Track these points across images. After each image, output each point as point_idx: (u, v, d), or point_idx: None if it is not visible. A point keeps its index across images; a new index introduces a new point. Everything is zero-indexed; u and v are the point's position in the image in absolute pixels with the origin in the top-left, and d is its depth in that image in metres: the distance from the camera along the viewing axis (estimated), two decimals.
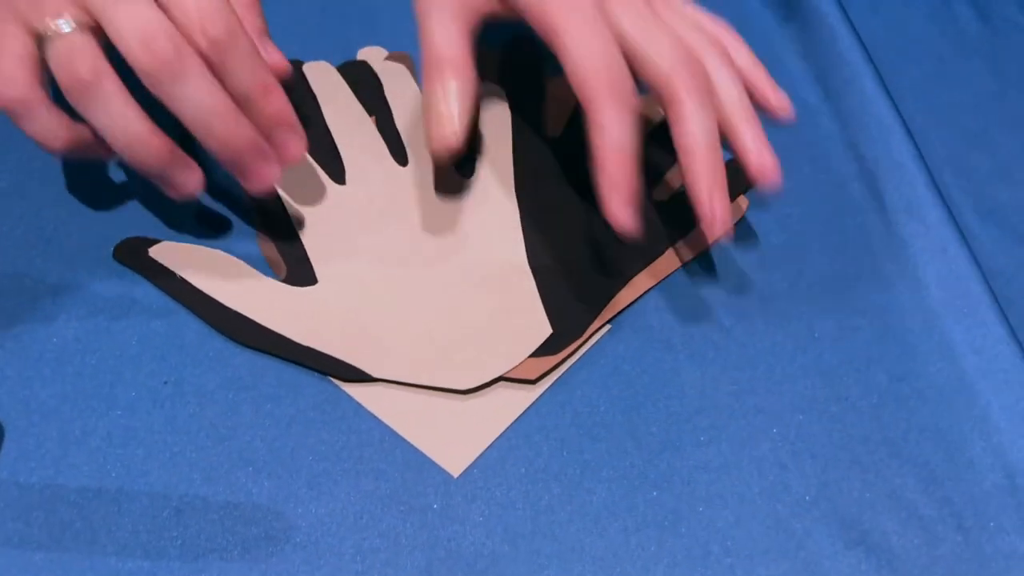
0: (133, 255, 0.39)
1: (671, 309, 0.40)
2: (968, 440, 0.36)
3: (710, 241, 0.41)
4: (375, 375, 0.36)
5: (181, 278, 0.38)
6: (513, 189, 0.42)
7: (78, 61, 0.32)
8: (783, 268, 0.42)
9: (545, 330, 0.38)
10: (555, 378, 0.37)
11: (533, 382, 0.37)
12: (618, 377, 0.37)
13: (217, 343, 0.37)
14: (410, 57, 0.48)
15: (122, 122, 0.33)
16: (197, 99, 0.33)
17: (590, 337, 0.38)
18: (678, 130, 0.36)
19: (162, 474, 0.34)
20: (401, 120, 0.44)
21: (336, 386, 0.36)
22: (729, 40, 0.40)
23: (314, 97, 0.45)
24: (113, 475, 0.33)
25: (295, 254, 0.39)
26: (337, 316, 0.37)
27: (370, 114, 0.45)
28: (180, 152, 0.35)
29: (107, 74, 0.33)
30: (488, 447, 0.35)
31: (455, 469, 0.34)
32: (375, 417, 0.35)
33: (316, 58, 0.47)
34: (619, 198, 0.35)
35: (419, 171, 0.43)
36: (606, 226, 0.35)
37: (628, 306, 0.39)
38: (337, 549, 0.32)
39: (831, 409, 0.37)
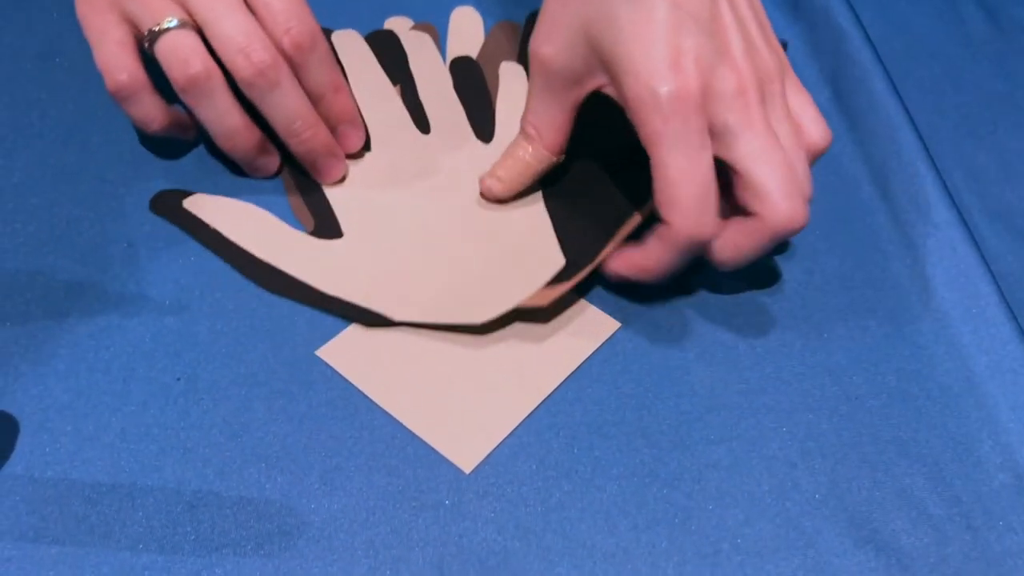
0: (168, 207, 0.41)
1: (680, 308, 0.40)
2: (977, 439, 0.37)
3: None
4: (396, 319, 0.38)
5: (214, 229, 0.40)
6: None
7: (192, 59, 0.37)
8: (793, 268, 0.42)
9: (558, 261, 0.39)
10: (565, 376, 0.37)
11: (545, 309, 0.38)
12: (628, 376, 0.38)
13: (230, 340, 0.37)
14: (435, 28, 0.50)
15: (226, 117, 0.38)
16: (286, 105, 0.38)
17: (597, 268, 0.39)
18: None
19: (175, 470, 0.34)
20: (424, 90, 0.46)
21: (349, 383, 0.36)
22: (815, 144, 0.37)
23: (341, 66, 0.46)
24: (127, 471, 0.34)
25: (322, 209, 0.41)
26: (361, 266, 0.39)
27: (394, 83, 0.47)
28: (267, 142, 0.41)
29: (216, 73, 0.37)
30: (499, 444, 0.35)
31: (467, 466, 0.34)
32: (387, 413, 0.36)
33: (345, 26, 0.49)
34: (623, 271, 0.37)
35: (440, 139, 0.45)
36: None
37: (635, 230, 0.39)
38: (349, 544, 0.32)
39: (841, 408, 0.37)
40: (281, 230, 0.41)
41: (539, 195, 0.42)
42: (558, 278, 0.38)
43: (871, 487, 0.35)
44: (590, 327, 0.39)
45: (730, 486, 0.35)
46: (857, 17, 0.52)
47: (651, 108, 0.33)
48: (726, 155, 0.34)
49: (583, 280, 0.39)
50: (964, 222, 0.43)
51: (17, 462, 0.34)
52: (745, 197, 0.35)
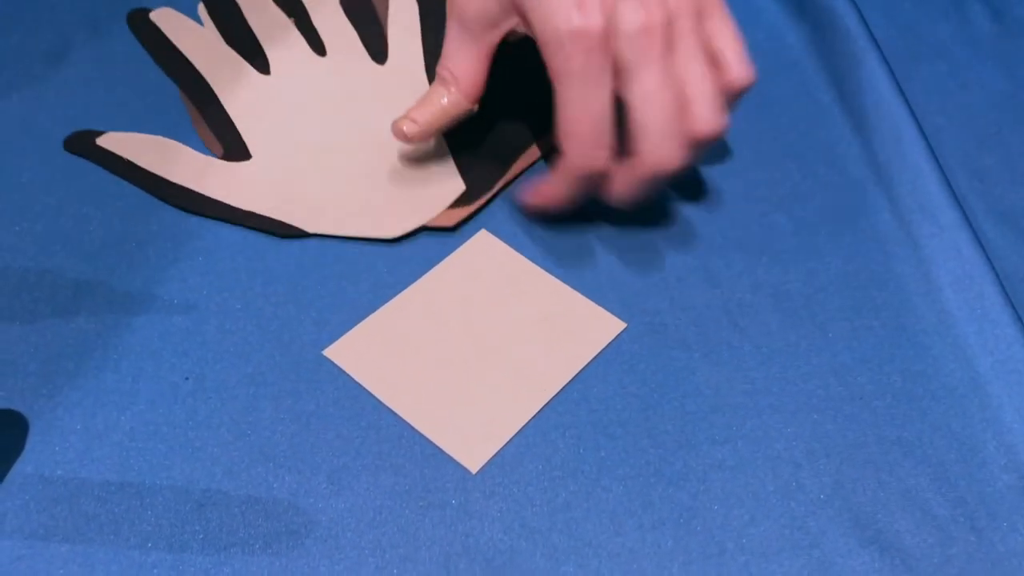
0: (83, 145, 0.43)
1: (686, 308, 0.40)
2: (981, 440, 0.37)
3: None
4: (310, 231, 0.41)
5: (128, 161, 0.42)
6: (423, 70, 0.48)
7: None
8: (797, 268, 0.42)
9: (459, 186, 0.43)
10: (571, 377, 0.37)
11: (452, 229, 0.42)
12: (634, 376, 0.38)
13: (237, 339, 0.37)
14: None
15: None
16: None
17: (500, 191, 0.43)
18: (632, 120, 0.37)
19: (184, 468, 0.34)
20: (316, 17, 0.50)
21: (356, 383, 0.36)
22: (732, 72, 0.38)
23: (236, 3, 0.50)
24: (135, 469, 0.34)
25: (229, 135, 0.44)
26: (272, 184, 0.42)
27: (288, 16, 0.50)
28: None
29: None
30: (506, 444, 0.35)
31: (473, 465, 0.35)
32: (394, 413, 0.36)
33: None
34: (530, 200, 0.40)
35: (337, 61, 0.48)
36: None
37: (528, 167, 0.44)
38: (356, 544, 0.33)
39: (845, 409, 0.37)
40: (193, 156, 0.43)
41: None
42: (460, 201, 0.42)
43: (876, 487, 0.35)
44: (596, 327, 0.39)
45: (735, 486, 0.35)
46: (862, 17, 0.52)
47: (555, 46, 0.35)
48: (623, 93, 0.36)
49: (484, 204, 0.43)
50: (969, 223, 0.43)
51: (27, 461, 0.34)
52: (633, 135, 0.36)
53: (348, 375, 0.37)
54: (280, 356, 0.37)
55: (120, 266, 0.39)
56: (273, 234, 0.41)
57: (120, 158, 0.43)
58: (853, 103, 0.49)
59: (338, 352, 0.37)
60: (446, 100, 0.40)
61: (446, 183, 0.43)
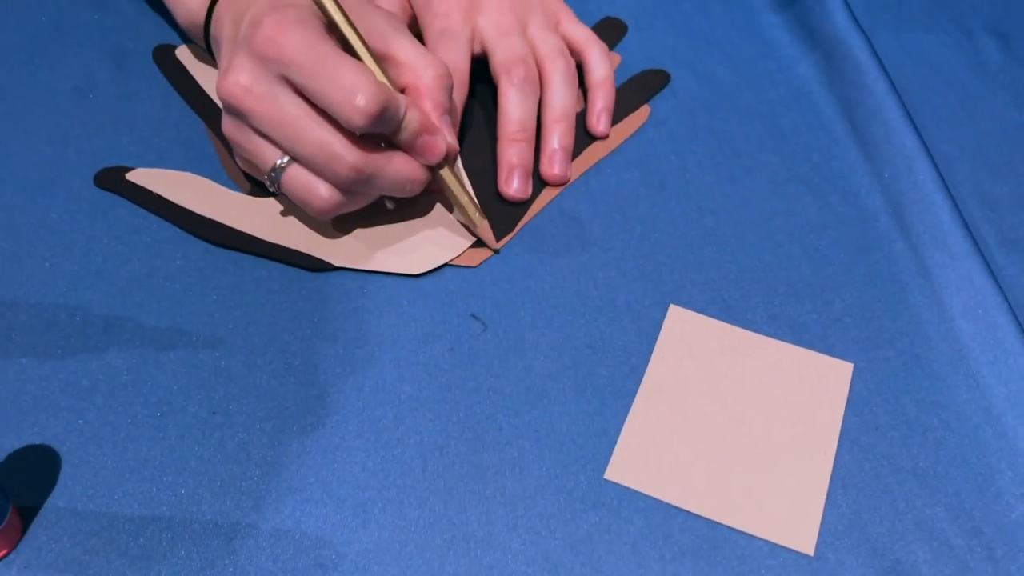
0: (113, 180, 0.44)
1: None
2: (996, 470, 0.37)
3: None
4: (335, 263, 0.42)
5: (157, 195, 0.43)
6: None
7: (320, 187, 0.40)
8: (812, 299, 0.43)
9: (482, 224, 0.43)
10: (839, 433, 0.38)
11: (475, 267, 0.42)
12: None
13: (264, 374, 0.38)
14: None
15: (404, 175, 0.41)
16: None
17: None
18: (499, 111, 0.46)
19: (213, 503, 0.35)
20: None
21: (380, 412, 0.37)
22: (592, 58, 0.49)
23: None
24: (166, 503, 0.35)
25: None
26: (297, 218, 0.43)
27: None
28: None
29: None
30: (524, 479, 0.36)
31: (809, 547, 0.35)
32: (417, 445, 0.36)
33: None
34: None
35: None
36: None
37: (548, 203, 0.46)
38: None
39: (862, 439, 0.38)
40: (220, 191, 0.44)
41: (460, 166, 0.45)
42: (482, 241, 0.43)
43: (893, 518, 0.36)
44: (828, 374, 0.40)
45: None
46: (872, 47, 0.53)
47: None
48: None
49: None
50: (981, 252, 0.44)
51: (60, 495, 0.35)
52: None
53: (375, 406, 0.37)
54: (306, 390, 0.38)
55: (149, 301, 0.40)
56: (299, 267, 0.41)
57: (149, 193, 0.44)
58: (865, 133, 0.50)
59: (618, 473, 0.36)
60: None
61: (469, 221, 0.44)
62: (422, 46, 0.40)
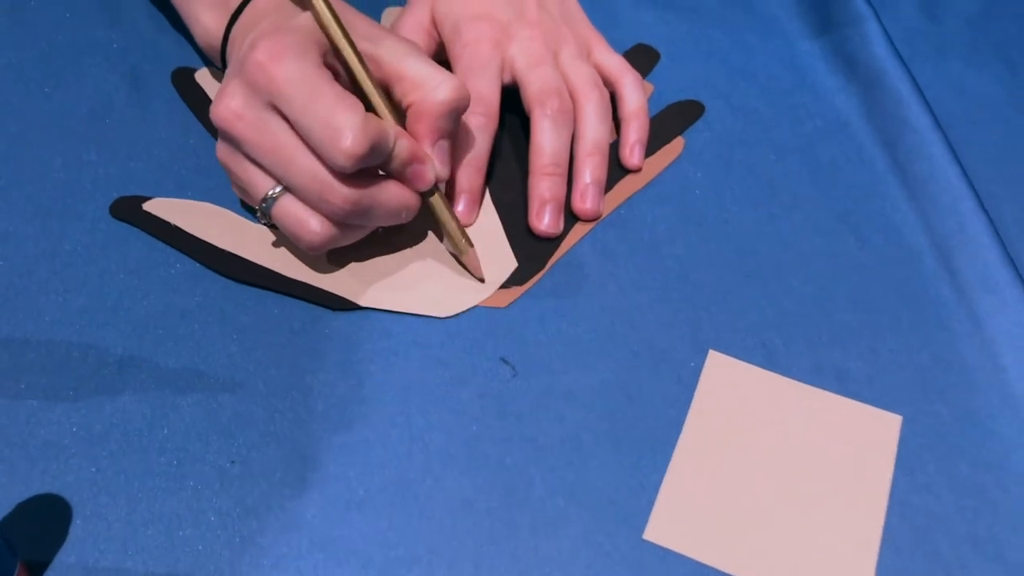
0: (129, 211, 0.42)
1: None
2: None
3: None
4: (360, 303, 0.40)
5: (176, 227, 0.41)
6: None
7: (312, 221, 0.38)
8: (857, 346, 0.41)
9: (511, 263, 0.42)
10: (889, 488, 0.36)
11: (504, 308, 0.40)
12: None
13: (286, 420, 0.36)
14: None
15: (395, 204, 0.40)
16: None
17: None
18: (531, 143, 0.44)
19: (232, 560, 0.33)
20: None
21: (407, 464, 0.35)
22: (626, 88, 0.47)
23: None
24: (182, 560, 0.33)
25: None
26: (322, 253, 0.40)
27: None
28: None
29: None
30: (558, 538, 0.34)
31: None
32: (446, 500, 0.35)
33: None
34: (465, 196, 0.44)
35: None
36: None
37: (577, 241, 0.44)
38: None
39: (912, 499, 0.36)
40: (241, 223, 0.42)
41: (489, 200, 0.44)
42: (512, 279, 0.41)
43: None
44: (875, 427, 0.38)
45: None
46: (914, 80, 0.51)
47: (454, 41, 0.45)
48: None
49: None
50: None
51: (70, 550, 0.33)
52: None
53: (398, 463, 0.35)
54: (330, 438, 0.36)
55: (166, 340, 0.38)
56: (323, 306, 0.40)
57: (167, 224, 0.42)
58: (908, 169, 0.48)
59: (658, 533, 0.35)
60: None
61: (499, 260, 0.42)
62: (437, 67, 0.38)
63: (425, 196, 0.39)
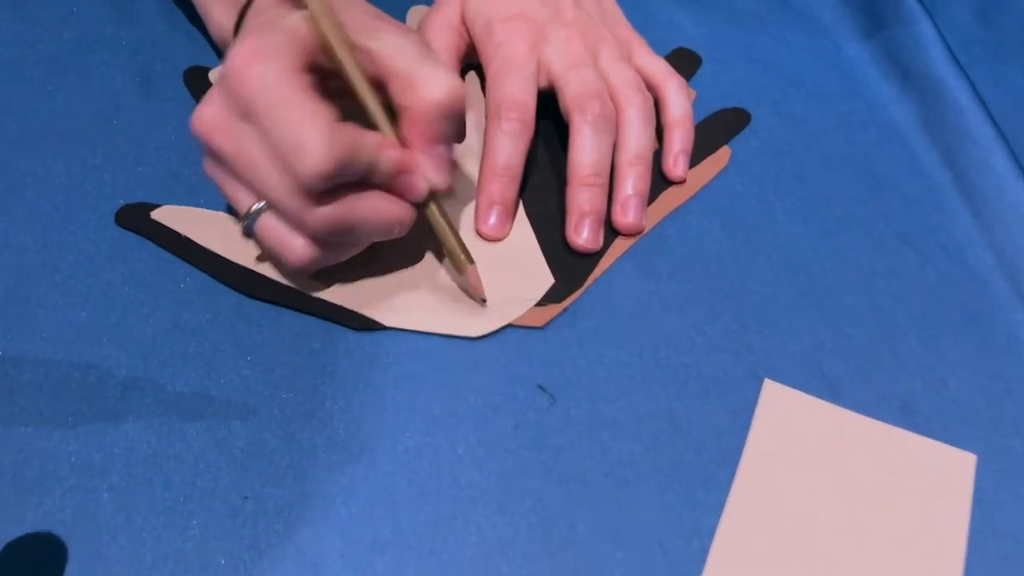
0: (135, 218, 0.39)
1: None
2: None
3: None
4: (386, 324, 0.37)
5: (185, 237, 0.38)
6: None
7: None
8: (922, 375, 0.38)
9: (548, 279, 0.39)
10: (966, 536, 0.33)
11: (541, 328, 0.37)
12: None
13: (304, 452, 0.33)
14: None
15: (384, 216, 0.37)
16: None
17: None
18: (570, 151, 0.41)
19: None
20: None
21: (437, 501, 0.32)
22: (669, 94, 0.44)
23: None
24: None
25: None
26: (342, 268, 0.37)
27: None
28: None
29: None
30: None
31: None
32: (479, 544, 0.31)
33: None
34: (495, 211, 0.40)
35: None
36: None
37: (621, 255, 0.40)
38: None
39: (992, 548, 0.33)
40: None
41: (523, 212, 0.41)
42: (549, 297, 0.38)
43: None
44: (948, 466, 0.35)
45: None
46: (975, 89, 0.48)
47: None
48: None
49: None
50: None
51: None
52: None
53: (414, 503, 0.32)
54: (352, 470, 0.33)
55: (173, 360, 0.35)
56: (343, 325, 0.37)
57: (176, 234, 0.39)
58: (970, 185, 0.45)
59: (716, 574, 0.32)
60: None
61: (534, 276, 0.39)
62: (436, 64, 0.34)
63: (420, 208, 0.36)
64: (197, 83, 0.45)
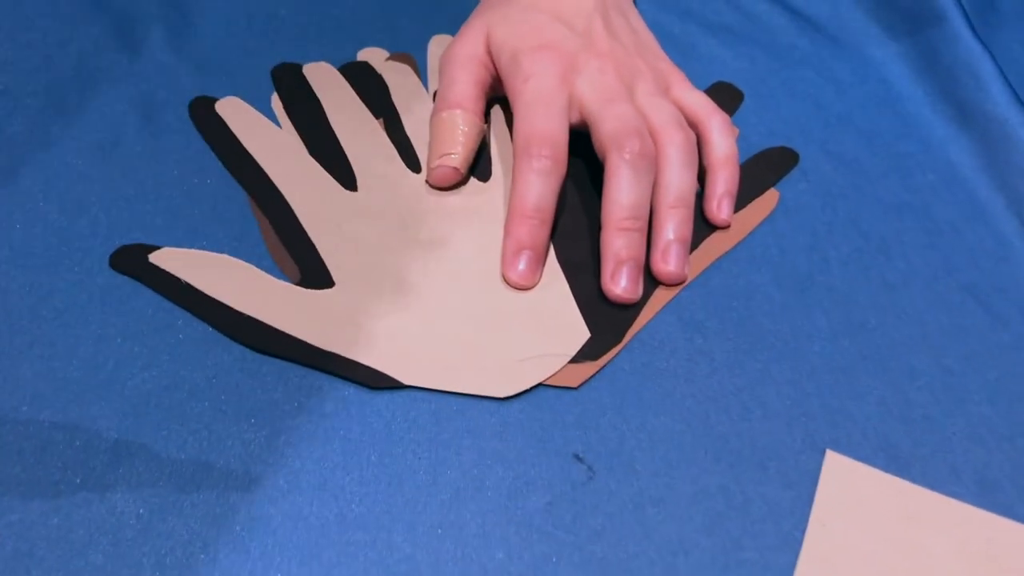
0: (132, 261, 0.36)
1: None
2: None
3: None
4: (406, 382, 0.33)
5: (185, 283, 0.35)
6: None
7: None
8: (1000, 447, 0.34)
9: (583, 333, 0.35)
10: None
11: (575, 389, 0.34)
12: None
13: (312, 531, 0.30)
14: (413, 58, 0.46)
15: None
16: None
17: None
18: (605, 192, 0.37)
19: None
20: (410, 124, 0.42)
21: (442, 529, 0.28)
22: (712, 132, 0.41)
23: (317, 100, 0.43)
24: None
25: (308, 257, 0.37)
26: (359, 319, 0.35)
27: (376, 117, 0.43)
28: None
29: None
30: None
31: None
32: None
33: (315, 59, 0.45)
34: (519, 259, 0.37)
35: None
36: None
37: (663, 307, 0.37)
38: None
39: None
40: (263, 281, 0.36)
41: (554, 258, 0.38)
42: (584, 353, 0.35)
43: None
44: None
45: None
46: None
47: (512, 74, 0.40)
48: None
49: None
50: None
51: None
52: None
53: (429, 532, 0.29)
54: (366, 553, 0.29)
55: (169, 422, 0.32)
56: (359, 383, 0.33)
57: (176, 280, 0.35)
58: None
59: None
60: (462, 123, 0.39)
61: (568, 330, 0.35)
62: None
63: None
64: (203, 115, 0.42)
